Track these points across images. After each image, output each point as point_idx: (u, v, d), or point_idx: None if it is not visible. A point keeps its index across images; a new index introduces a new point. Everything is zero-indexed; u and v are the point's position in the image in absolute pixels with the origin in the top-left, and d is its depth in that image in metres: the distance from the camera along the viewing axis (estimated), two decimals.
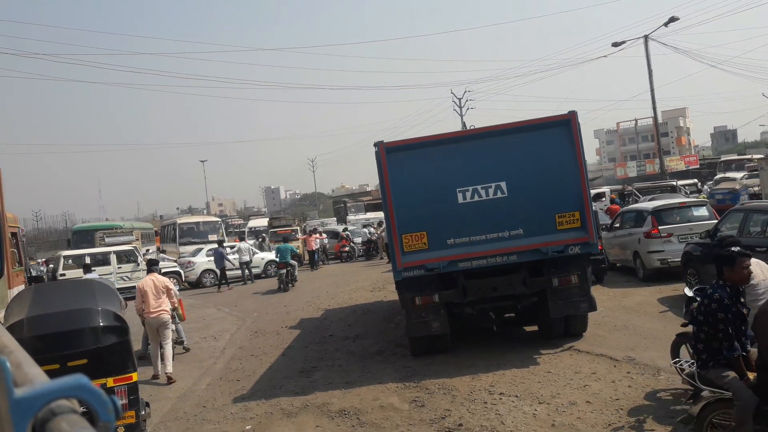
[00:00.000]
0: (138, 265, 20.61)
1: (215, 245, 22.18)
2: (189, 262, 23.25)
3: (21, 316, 5.25)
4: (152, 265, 9.97)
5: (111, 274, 19.81)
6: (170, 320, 9.28)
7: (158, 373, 9.11)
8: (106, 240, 24.68)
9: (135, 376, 5.52)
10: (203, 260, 23.13)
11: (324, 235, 27.66)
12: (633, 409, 5.84)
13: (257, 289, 19.96)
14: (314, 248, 25.22)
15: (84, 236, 27.53)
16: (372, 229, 27.62)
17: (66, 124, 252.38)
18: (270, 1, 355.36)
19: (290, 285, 19.28)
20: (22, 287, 9.09)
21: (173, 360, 9.22)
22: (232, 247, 23.30)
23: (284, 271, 19.14)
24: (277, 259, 19.82)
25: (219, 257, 20.81)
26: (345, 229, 29.49)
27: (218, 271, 21.13)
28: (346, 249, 27.94)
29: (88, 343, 5.28)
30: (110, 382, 5.27)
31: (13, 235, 9.75)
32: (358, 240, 28.50)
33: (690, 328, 6.03)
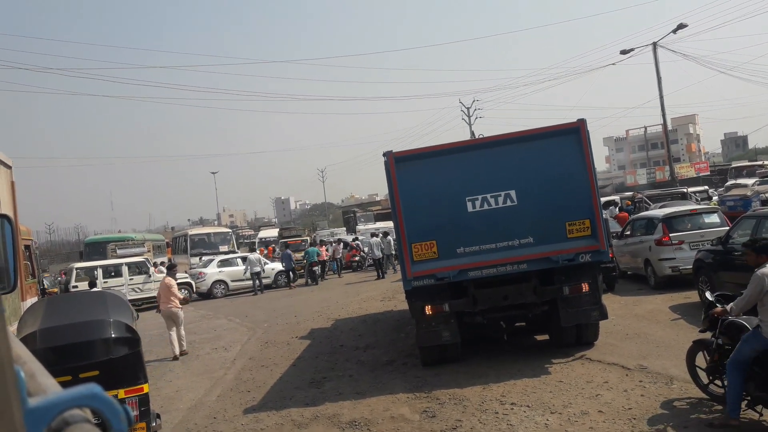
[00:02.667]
0: (150, 276, 20.76)
1: (283, 247, 25.48)
2: (200, 273, 23.37)
3: (34, 328, 5.27)
4: (169, 269, 13.10)
5: (123, 285, 19.94)
6: (179, 310, 11.78)
7: (176, 354, 11.44)
8: (118, 252, 24.96)
9: (146, 388, 5.53)
10: (214, 271, 23.28)
11: (333, 246, 27.20)
12: (649, 418, 5.77)
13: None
14: (323, 259, 25.24)
15: (96, 248, 27.74)
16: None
17: (78, 136, 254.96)
18: (273, 14, 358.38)
19: (319, 279, 23.56)
20: (35, 299, 9.17)
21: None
22: (243, 259, 23.53)
23: (316, 268, 23.62)
24: (307, 260, 23.92)
25: (287, 258, 23.47)
26: (355, 239, 29.46)
27: (288, 271, 23.61)
28: (356, 258, 27.92)
29: (99, 354, 5.29)
30: (122, 393, 5.28)
31: (26, 247, 9.86)
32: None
33: (707, 335, 5.94)
